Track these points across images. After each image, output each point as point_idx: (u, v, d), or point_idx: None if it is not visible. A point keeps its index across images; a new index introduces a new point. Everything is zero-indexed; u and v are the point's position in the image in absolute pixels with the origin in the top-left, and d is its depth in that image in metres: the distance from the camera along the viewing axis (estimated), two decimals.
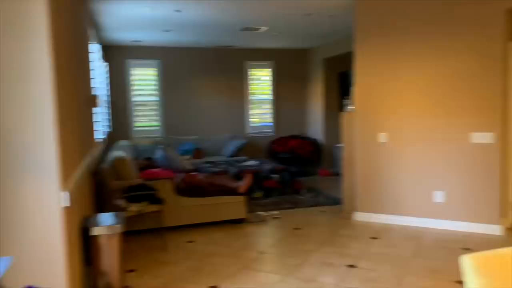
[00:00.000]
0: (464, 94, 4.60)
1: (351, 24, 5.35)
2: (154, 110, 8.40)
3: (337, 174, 7.55)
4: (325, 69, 8.71)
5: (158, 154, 6.64)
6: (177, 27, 6.44)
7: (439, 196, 4.79)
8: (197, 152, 8.12)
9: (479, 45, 4.50)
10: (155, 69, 8.33)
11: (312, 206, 6.02)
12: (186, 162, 7.05)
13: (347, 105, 5.65)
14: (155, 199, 4.41)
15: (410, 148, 4.91)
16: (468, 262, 1.38)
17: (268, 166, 7.14)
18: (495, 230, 4.53)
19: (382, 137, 5.03)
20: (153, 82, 8.36)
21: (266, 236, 4.85)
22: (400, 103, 4.93)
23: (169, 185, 4.85)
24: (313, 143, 8.86)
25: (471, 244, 4.22)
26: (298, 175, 7.66)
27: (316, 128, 9.11)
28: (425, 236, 4.56)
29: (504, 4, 4.36)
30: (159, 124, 8.42)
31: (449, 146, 4.70)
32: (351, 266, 3.77)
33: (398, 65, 4.92)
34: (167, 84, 8.36)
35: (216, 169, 6.79)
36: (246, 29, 6.67)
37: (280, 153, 8.67)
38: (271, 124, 9.23)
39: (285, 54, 9.11)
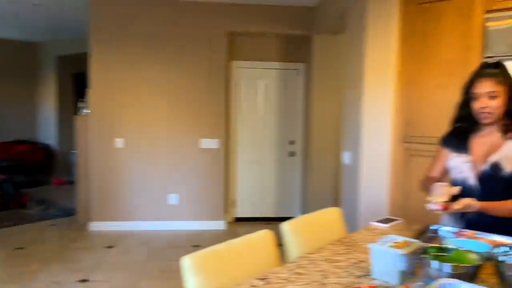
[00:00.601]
0: (195, 104, 5.01)
1: (87, 23, 5.04)
2: None
3: (72, 183, 6.98)
4: (59, 68, 7.93)
5: None
6: None
7: (173, 199, 5.04)
8: None
9: (208, 61, 4.99)
10: None
11: (41, 220, 5.34)
12: None
13: (82, 108, 5.29)
14: None
15: (146, 153, 4.99)
16: (186, 262, 1.44)
17: None
18: (220, 225, 5.11)
19: (119, 142, 4.93)
20: None
21: None
22: (137, 108, 4.95)
23: None
24: (45, 149, 7.93)
25: (200, 241, 4.60)
26: (25, 186, 6.69)
27: (48, 133, 8.17)
28: (160, 238, 4.70)
29: (225, 28, 4.99)
30: None
31: (182, 151, 5.03)
32: (84, 280, 3.50)
33: (134, 71, 4.93)
34: None
35: None
36: None
37: (2, 161, 7.36)
38: None
39: (7, 46, 7.81)
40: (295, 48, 5.41)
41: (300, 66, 5.44)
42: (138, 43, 4.90)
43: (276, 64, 5.42)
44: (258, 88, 5.44)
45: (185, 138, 5.03)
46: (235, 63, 5.34)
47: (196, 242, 4.57)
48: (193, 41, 4.96)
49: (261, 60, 5.39)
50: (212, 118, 5.04)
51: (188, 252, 1.49)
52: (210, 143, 5.05)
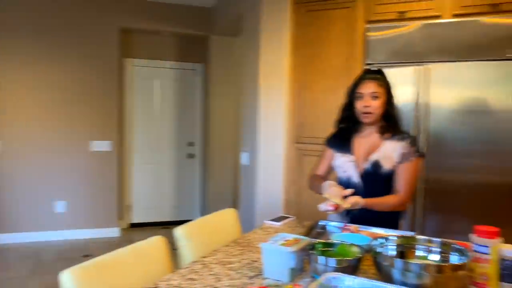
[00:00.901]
0: (85, 104, 4.67)
1: None
2: None
3: None
4: None
5: None
6: None
7: (60, 207, 4.64)
8: None
9: (99, 59, 4.69)
10: None
11: None
12: None
13: None
14: None
15: (28, 157, 4.51)
16: (65, 277, 1.31)
17: None
18: (114, 232, 4.83)
19: None
20: None
21: None
22: (17, 108, 4.46)
23: None
24: None
25: (92, 250, 4.30)
26: None
27: None
28: (46, 250, 4.29)
29: (117, 23, 4.74)
30: None
31: (70, 154, 4.65)
32: None
33: (14, 67, 4.42)
34: None
35: None
36: None
37: None
38: None
39: None
40: (192, 48, 5.35)
41: (198, 66, 5.39)
42: (18, 37, 4.41)
43: (172, 64, 5.30)
44: (154, 88, 5.27)
45: (73, 140, 4.65)
46: (129, 61, 5.10)
47: (88, 251, 4.27)
48: (82, 35, 4.62)
49: (157, 58, 5.23)
50: (104, 118, 4.75)
51: (79, 263, 1.36)
52: (102, 145, 4.75)
